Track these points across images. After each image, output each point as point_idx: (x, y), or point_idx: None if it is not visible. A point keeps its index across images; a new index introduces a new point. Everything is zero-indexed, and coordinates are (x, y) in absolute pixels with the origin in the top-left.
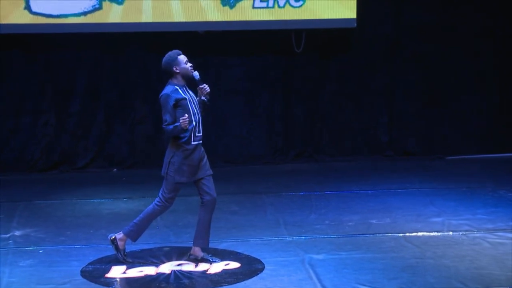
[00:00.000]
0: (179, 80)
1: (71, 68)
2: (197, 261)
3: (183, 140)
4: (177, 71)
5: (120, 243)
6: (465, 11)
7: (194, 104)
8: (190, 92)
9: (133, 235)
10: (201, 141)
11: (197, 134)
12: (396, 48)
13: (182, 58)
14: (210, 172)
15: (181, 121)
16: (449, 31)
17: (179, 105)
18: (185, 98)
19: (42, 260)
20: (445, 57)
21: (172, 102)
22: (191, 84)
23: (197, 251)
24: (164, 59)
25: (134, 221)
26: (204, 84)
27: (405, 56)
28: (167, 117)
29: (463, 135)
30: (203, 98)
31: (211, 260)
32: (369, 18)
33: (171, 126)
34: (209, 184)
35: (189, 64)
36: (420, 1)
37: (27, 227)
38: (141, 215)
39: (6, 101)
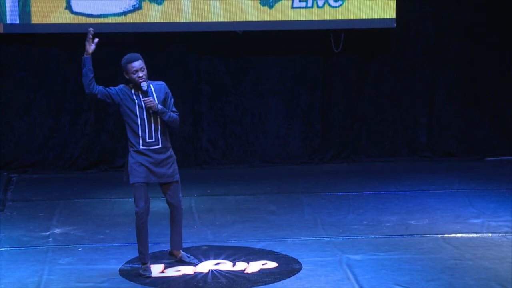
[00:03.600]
0: (132, 84)
1: (110, 68)
2: (182, 261)
3: (131, 145)
4: (127, 77)
5: (141, 266)
6: (506, 10)
7: (144, 109)
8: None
9: (141, 258)
10: (155, 148)
11: (147, 140)
12: (437, 48)
13: (131, 67)
14: (174, 179)
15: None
16: (490, 31)
17: (127, 104)
18: (134, 101)
19: (81, 258)
20: (486, 57)
21: (119, 86)
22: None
23: (175, 251)
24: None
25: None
26: (148, 98)
27: (446, 56)
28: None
29: (503, 136)
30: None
31: (188, 261)
32: (409, 18)
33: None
34: (171, 193)
35: (139, 74)
36: (460, 1)
37: (67, 225)
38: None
39: (47, 100)
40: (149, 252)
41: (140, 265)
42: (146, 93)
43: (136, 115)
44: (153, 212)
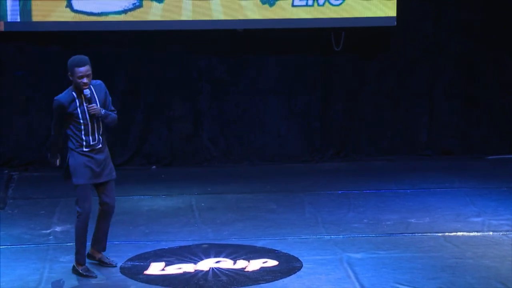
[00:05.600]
0: (75, 87)
1: (111, 66)
2: (101, 262)
3: (74, 146)
4: (70, 78)
5: (78, 268)
6: (506, 10)
7: (87, 114)
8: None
9: (81, 259)
10: (97, 148)
11: (91, 143)
12: (437, 47)
13: (78, 71)
14: (112, 177)
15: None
16: (490, 30)
17: (71, 111)
18: (77, 108)
19: None
20: (486, 56)
21: (58, 110)
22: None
23: (96, 253)
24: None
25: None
26: (91, 105)
27: (446, 55)
28: (52, 124)
29: (503, 135)
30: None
31: (108, 262)
32: (409, 16)
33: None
34: (108, 192)
35: (83, 80)
36: (460, 0)
37: (67, 223)
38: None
39: (47, 99)
40: (151, 250)
41: (82, 267)
42: (89, 100)
43: (80, 122)
44: (153, 210)
